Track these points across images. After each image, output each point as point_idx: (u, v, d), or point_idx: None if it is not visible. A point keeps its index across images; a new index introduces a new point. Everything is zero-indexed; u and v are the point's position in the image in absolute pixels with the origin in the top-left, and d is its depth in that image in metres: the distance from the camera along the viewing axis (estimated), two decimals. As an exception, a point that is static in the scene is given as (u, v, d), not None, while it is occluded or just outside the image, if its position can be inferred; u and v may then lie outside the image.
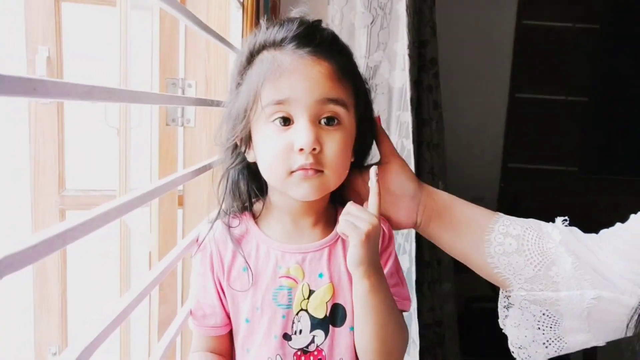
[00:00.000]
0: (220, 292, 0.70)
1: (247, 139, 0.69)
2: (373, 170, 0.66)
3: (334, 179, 0.66)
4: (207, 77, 1.13)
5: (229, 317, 0.71)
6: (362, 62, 1.37)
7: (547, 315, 0.71)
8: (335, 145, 0.64)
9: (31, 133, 1.60)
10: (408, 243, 1.44)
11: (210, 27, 0.84)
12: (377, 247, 0.65)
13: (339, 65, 0.66)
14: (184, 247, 0.77)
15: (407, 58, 1.31)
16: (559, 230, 0.74)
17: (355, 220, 0.63)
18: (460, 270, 2.04)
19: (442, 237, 0.77)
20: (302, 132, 0.62)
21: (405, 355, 0.73)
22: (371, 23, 1.30)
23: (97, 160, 2.13)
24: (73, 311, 1.87)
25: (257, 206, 0.74)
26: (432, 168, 1.79)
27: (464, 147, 2.67)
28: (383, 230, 0.71)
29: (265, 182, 0.71)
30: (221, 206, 0.72)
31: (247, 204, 0.72)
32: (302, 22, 0.66)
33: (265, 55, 0.66)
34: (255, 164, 0.70)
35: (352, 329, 0.69)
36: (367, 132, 0.73)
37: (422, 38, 1.63)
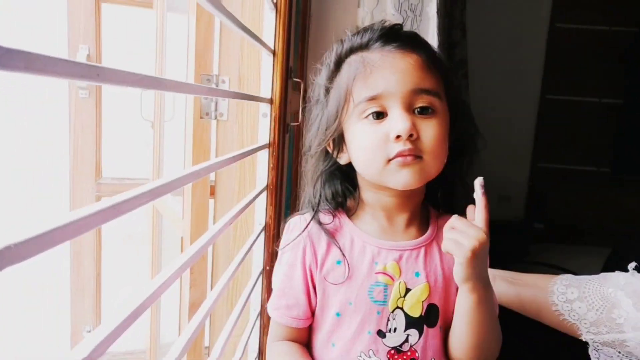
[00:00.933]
0: (310, 285, 0.70)
1: (339, 142, 0.69)
2: (478, 182, 0.65)
3: (434, 165, 0.64)
4: (240, 74, 1.17)
5: (312, 312, 0.71)
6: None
7: (622, 356, 0.74)
8: (432, 131, 0.63)
9: (71, 125, 1.68)
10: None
11: (245, 26, 0.88)
12: (486, 262, 0.64)
13: (427, 56, 0.66)
14: (216, 232, 0.79)
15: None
16: (623, 275, 0.76)
17: (460, 236, 0.61)
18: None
19: (508, 290, 0.82)
20: (397, 120, 0.62)
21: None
22: (402, 24, 1.31)
23: (132, 151, 2.22)
24: (107, 293, 1.96)
25: (350, 204, 0.73)
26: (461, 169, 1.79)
27: (494, 146, 2.62)
28: None
29: (357, 181, 0.72)
30: (317, 208, 0.72)
31: (340, 200, 0.73)
32: (384, 25, 0.68)
33: (353, 58, 0.67)
34: (347, 165, 0.70)
35: (441, 329, 0.70)
36: (460, 120, 0.71)
37: (452, 40, 1.64)
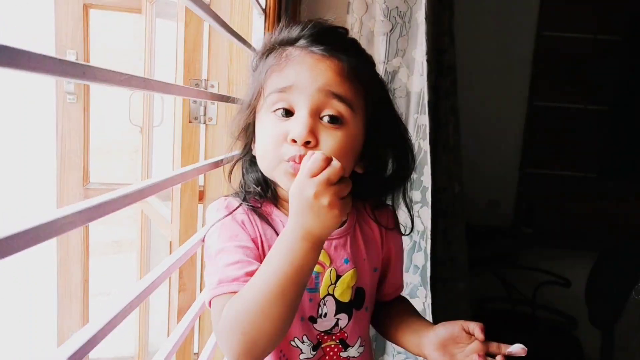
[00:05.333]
0: (262, 249, 0.65)
1: (250, 132, 0.69)
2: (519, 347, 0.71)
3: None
4: (229, 79, 1.17)
5: None
6: (380, 68, 1.40)
7: None
8: (334, 142, 0.61)
9: (58, 129, 1.67)
10: (424, 240, 1.46)
11: (234, 30, 0.88)
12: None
13: (352, 65, 0.63)
14: (204, 235, 0.79)
15: (425, 64, 1.34)
16: None
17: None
18: (475, 270, 2.08)
19: None
20: (297, 122, 0.60)
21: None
22: (390, 31, 1.32)
23: (120, 156, 2.21)
24: (95, 300, 1.94)
25: (274, 194, 0.71)
26: (449, 169, 1.80)
27: (482, 151, 2.67)
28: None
29: None
30: (245, 191, 0.70)
31: (265, 189, 0.70)
32: (320, 25, 0.67)
33: (279, 50, 0.66)
34: None
35: (367, 309, 0.73)
36: (383, 145, 0.70)
37: (440, 46, 1.65)
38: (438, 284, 1.76)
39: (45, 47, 1.66)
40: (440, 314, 1.85)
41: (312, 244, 0.53)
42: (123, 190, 0.50)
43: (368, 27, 1.38)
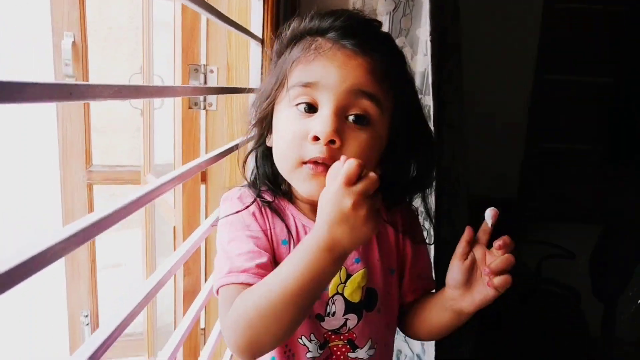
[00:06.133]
0: (272, 247, 0.64)
1: (267, 125, 0.65)
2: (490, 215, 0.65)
3: None
4: (228, 64, 1.15)
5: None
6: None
7: None
8: (359, 144, 0.58)
9: (59, 113, 1.66)
10: (428, 222, 1.45)
11: (232, 19, 0.86)
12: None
13: (383, 63, 0.59)
14: (209, 226, 0.80)
15: (429, 44, 1.30)
16: None
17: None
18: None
19: None
20: (323, 120, 0.56)
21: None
22: (393, 10, 1.28)
23: (121, 138, 2.20)
24: (102, 277, 1.97)
25: (288, 189, 0.69)
26: (452, 148, 1.78)
27: (488, 126, 2.64)
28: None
29: None
30: (259, 184, 0.68)
31: (278, 183, 0.68)
32: (354, 16, 0.63)
33: (307, 40, 0.62)
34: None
35: (379, 311, 0.70)
36: (406, 150, 0.66)
37: (444, 24, 1.61)
38: (441, 264, 1.77)
39: (41, 30, 1.63)
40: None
41: (338, 256, 0.50)
42: (129, 197, 0.49)
43: (371, 6, 1.34)
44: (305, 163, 0.58)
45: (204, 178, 1.39)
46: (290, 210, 0.67)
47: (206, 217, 1.26)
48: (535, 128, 2.78)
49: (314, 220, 0.62)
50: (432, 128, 1.39)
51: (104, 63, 1.85)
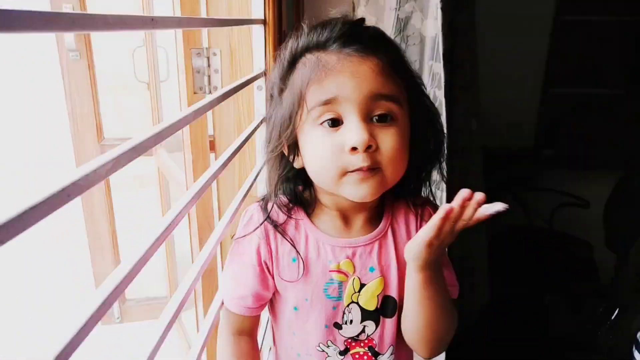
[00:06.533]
0: (267, 278, 0.69)
1: (294, 147, 0.66)
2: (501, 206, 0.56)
3: (392, 176, 0.62)
4: (231, 47, 1.11)
5: (265, 302, 0.72)
6: (392, 14, 1.31)
7: None
8: (391, 141, 0.60)
9: (66, 88, 1.64)
10: (440, 190, 1.46)
11: (230, 19, 0.83)
12: (443, 251, 0.62)
13: (389, 60, 0.61)
14: (218, 167, 0.76)
15: (439, 9, 1.24)
16: None
17: (429, 225, 0.57)
18: (493, 195, 2.07)
19: None
20: (354, 130, 0.58)
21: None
22: (364, 20, 1.21)
23: (129, 111, 2.18)
24: (124, 247, 2.04)
25: (308, 202, 0.71)
26: (466, 108, 1.74)
27: (503, 72, 2.55)
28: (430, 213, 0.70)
29: (313, 183, 0.69)
30: (272, 204, 0.70)
31: (299, 198, 0.70)
32: (345, 22, 0.63)
33: (309, 57, 0.63)
34: (303, 168, 0.67)
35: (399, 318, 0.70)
36: (423, 128, 0.67)
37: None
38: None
39: (39, 1, 1.58)
40: (456, 250, 1.89)
41: None
42: (137, 138, 0.48)
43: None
44: (348, 172, 0.60)
45: (212, 147, 1.38)
46: (304, 225, 0.69)
47: (218, 198, 1.28)
48: (552, 73, 2.67)
49: (327, 234, 0.68)
50: (444, 97, 1.36)
51: (104, 37, 1.81)
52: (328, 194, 0.67)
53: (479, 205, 0.55)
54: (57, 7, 1.59)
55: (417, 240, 0.59)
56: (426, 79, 1.39)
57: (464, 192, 0.55)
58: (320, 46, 0.62)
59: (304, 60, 0.63)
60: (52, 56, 1.62)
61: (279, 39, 1.10)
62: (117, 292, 0.46)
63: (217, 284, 1.31)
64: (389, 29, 1.30)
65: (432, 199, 0.75)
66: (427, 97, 0.70)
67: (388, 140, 0.60)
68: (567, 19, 2.56)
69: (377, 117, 0.60)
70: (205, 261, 0.72)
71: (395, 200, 0.72)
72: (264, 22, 1.06)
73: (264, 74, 1.09)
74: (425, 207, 0.73)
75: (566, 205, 2.45)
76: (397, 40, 1.33)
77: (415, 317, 0.65)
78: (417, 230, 0.69)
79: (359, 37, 0.61)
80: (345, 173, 0.60)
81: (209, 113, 1.24)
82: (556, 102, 2.71)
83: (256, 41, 1.08)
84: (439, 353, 0.68)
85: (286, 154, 0.67)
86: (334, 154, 0.60)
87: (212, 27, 1.09)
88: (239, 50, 1.12)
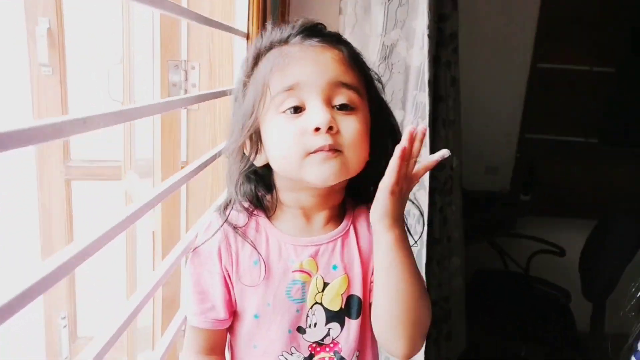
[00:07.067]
0: (230, 285, 0.67)
1: (256, 140, 0.66)
2: (443, 153, 0.60)
3: (354, 160, 0.62)
4: (211, 60, 1.07)
5: (232, 310, 0.69)
6: (377, 41, 1.30)
7: None
8: (353, 127, 0.61)
9: (34, 104, 1.57)
10: (420, 225, 1.41)
11: (212, 19, 0.78)
12: (404, 206, 0.62)
13: (349, 53, 0.65)
14: (188, 243, 0.74)
15: (426, 38, 1.23)
16: None
17: (388, 171, 0.58)
18: (470, 239, 2.05)
19: None
20: (317, 112, 0.60)
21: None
22: (389, 0, 1.21)
23: (101, 132, 2.08)
24: (81, 280, 1.90)
25: (268, 205, 0.70)
26: (447, 145, 1.73)
27: (482, 117, 2.58)
28: None
29: (274, 184, 0.69)
30: (229, 202, 0.69)
31: (256, 202, 0.70)
32: (306, 21, 0.66)
33: (272, 52, 0.65)
34: (262, 168, 0.68)
35: (364, 319, 0.69)
36: (381, 120, 0.69)
37: (442, 11, 1.53)
38: (433, 263, 1.72)
39: (14, 14, 1.53)
40: (434, 292, 1.83)
41: None
42: (112, 222, 0.49)
43: (365, -4, 1.26)
44: (311, 154, 0.60)
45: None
46: (264, 226, 0.69)
47: (186, 222, 1.20)
48: (529, 120, 2.72)
49: (289, 234, 0.67)
50: (427, 124, 1.33)
51: (81, 52, 1.75)
52: (290, 191, 0.67)
53: (423, 135, 0.58)
54: (32, 21, 1.54)
55: (379, 194, 0.59)
56: (410, 109, 1.37)
57: (409, 128, 0.57)
58: (283, 41, 0.65)
59: (268, 55, 0.65)
60: (22, 69, 1.55)
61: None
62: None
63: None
64: (374, 55, 1.29)
65: (409, 232, 0.69)
66: (383, 96, 0.71)
67: (349, 125, 0.61)
68: (541, 67, 2.63)
69: (338, 106, 0.62)
70: (166, 272, 0.65)
71: (356, 204, 0.72)
72: (246, 36, 1.02)
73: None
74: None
75: (542, 253, 2.43)
76: (382, 67, 1.32)
77: (389, 292, 0.61)
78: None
79: (319, 32, 0.65)
80: (307, 154, 0.60)
81: (183, 132, 1.18)
82: (533, 148, 2.75)
83: (237, 56, 1.04)
84: (416, 347, 0.63)
85: (247, 151, 0.67)
86: (296, 136, 0.60)
87: (191, 22, 1.05)
88: (220, 64, 1.07)
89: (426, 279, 1.46)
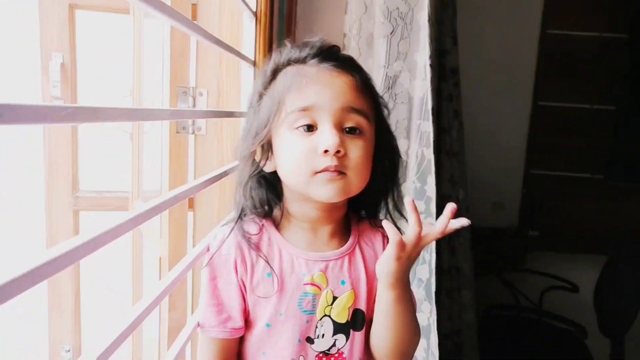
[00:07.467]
0: (246, 294, 0.71)
1: (267, 149, 0.71)
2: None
3: (356, 182, 0.67)
4: (219, 87, 1.10)
5: (246, 320, 0.73)
6: (381, 72, 1.33)
7: None
8: (358, 150, 0.66)
9: (45, 135, 1.60)
10: (428, 253, 1.40)
11: (222, 40, 0.81)
12: (411, 266, 0.67)
13: (361, 79, 0.69)
14: (195, 256, 0.78)
15: (428, 68, 1.26)
16: None
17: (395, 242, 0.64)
18: (479, 275, 2.01)
19: None
20: (327, 135, 0.64)
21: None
22: (391, 33, 1.25)
23: (110, 163, 2.14)
24: (86, 310, 1.88)
25: (276, 214, 0.74)
26: (452, 176, 1.74)
27: (487, 153, 2.61)
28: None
29: (282, 192, 0.73)
30: (240, 213, 0.73)
31: (266, 210, 0.74)
32: (323, 44, 0.71)
33: (290, 69, 0.70)
34: (271, 174, 0.72)
35: (367, 331, 0.74)
36: (383, 146, 0.74)
37: (443, 48, 1.57)
38: (443, 294, 1.70)
39: (30, 50, 1.59)
40: (446, 326, 1.79)
41: None
42: (115, 221, 0.49)
43: (367, 29, 1.30)
44: (318, 173, 0.65)
45: (191, 205, 1.33)
46: (276, 239, 0.72)
47: (193, 247, 1.19)
48: (534, 156, 2.73)
49: (298, 247, 0.71)
50: (432, 155, 1.34)
51: (93, 84, 1.81)
52: (297, 202, 0.71)
53: (452, 213, 0.64)
54: (47, 57, 1.60)
55: (386, 256, 0.65)
56: (414, 138, 1.39)
57: (451, 206, 0.64)
58: (301, 60, 0.70)
59: (285, 71, 0.70)
60: (34, 101, 1.59)
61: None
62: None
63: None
64: (378, 85, 1.32)
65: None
66: (387, 121, 0.77)
67: (355, 149, 0.66)
68: (542, 105, 2.66)
69: (347, 129, 0.67)
70: (173, 281, 0.64)
71: (359, 221, 0.78)
72: (254, 63, 1.05)
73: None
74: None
75: (554, 289, 2.39)
76: (386, 97, 1.34)
77: (382, 332, 0.71)
78: (383, 249, 0.73)
79: (334, 56, 0.70)
80: (315, 173, 0.65)
81: (190, 155, 1.20)
82: (539, 184, 2.74)
83: (245, 83, 1.07)
84: None
85: (257, 157, 0.72)
86: (306, 155, 0.65)
87: (199, 48, 1.08)
88: (227, 91, 1.10)
89: (436, 310, 1.43)
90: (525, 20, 2.62)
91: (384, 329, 0.70)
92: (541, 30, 2.61)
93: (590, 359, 2.12)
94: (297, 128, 0.66)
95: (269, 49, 1.08)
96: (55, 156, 1.64)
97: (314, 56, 0.69)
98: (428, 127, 1.34)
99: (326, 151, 0.64)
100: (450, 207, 0.64)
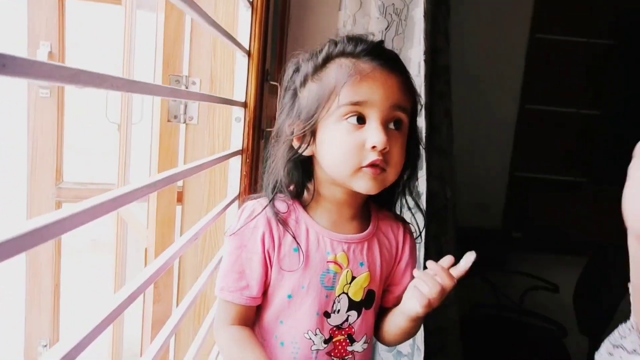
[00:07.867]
0: (269, 267, 0.75)
1: (309, 135, 0.74)
2: (471, 256, 0.75)
3: (392, 176, 0.73)
4: (212, 76, 1.09)
5: (264, 292, 0.77)
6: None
7: None
8: (399, 147, 0.72)
9: (30, 125, 1.57)
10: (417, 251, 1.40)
11: (219, 24, 0.80)
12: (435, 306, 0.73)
13: (406, 79, 0.74)
14: (182, 245, 0.77)
15: (422, 64, 1.27)
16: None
17: (421, 285, 0.71)
18: (464, 278, 2.03)
19: None
20: (377, 132, 0.69)
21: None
22: (386, 29, 1.25)
23: (96, 154, 2.10)
24: (66, 305, 1.84)
25: (306, 195, 0.79)
26: (441, 173, 1.75)
27: (473, 154, 2.63)
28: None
29: (313, 174, 0.77)
30: (275, 191, 0.76)
31: (298, 191, 0.78)
32: (372, 40, 0.75)
33: (344, 61, 0.72)
34: (305, 158, 0.75)
35: (375, 310, 0.82)
36: (411, 140, 0.78)
37: (436, 45, 1.58)
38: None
39: (16, 38, 1.55)
40: (429, 321, 1.79)
41: None
42: (98, 199, 0.47)
43: (362, 25, 1.30)
44: (362, 167, 0.70)
45: (180, 199, 1.31)
46: (303, 218, 0.77)
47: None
48: (519, 158, 2.77)
49: (324, 227, 0.77)
50: (424, 152, 1.35)
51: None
52: (328, 185, 0.76)
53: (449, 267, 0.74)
54: (34, 45, 1.56)
55: (414, 304, 0.72)
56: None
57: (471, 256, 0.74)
58: (355, 55, 0.72)
59: (340, 62, 0.72)
60: (20, 90, 1.56)
61: (262, 72, 1.08)
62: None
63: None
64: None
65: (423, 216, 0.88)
66: (417, 126, 0.80)
67: (397, 145, 0.72)
68: (529, 108, 2.70)
69: (393, 124, 0.71)
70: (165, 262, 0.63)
71: (380, 209, 0.83)
72: (248, 53, 1.04)
73: (244, 105, 1.06)
74: (406, 225, 0.86)
75: (536, 289, 2.42)
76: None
77: (393, 337, 0.82)
78: (404, 242, 0.83)
79: (383, 54, 0.73)
80: (360, 168, 0.70)
81: (181, 145, 1.19)
82: (523, 186, 2.78)
83: (239, 72, 1.06)
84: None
85: (295, 144, 0.75)
86: (355, 148, 0.69)
87: (194, 56, 1.07)
88: (220, 80, 1.09)
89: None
90: (514, 24, 2.65)
91: (392, 336, 0.82)
92: (530, 34, 2.65)
93: (568, 357, 2.15)
94: (347, 119, 0.70)
95: (263, 39, 1.07)
96: (39, 145, 1.60)
97: (367, 53, 0.72)
98: (421, 123, 1.35)
99: (374, 147, 0.68)
100: (472, 257, 0.73)
